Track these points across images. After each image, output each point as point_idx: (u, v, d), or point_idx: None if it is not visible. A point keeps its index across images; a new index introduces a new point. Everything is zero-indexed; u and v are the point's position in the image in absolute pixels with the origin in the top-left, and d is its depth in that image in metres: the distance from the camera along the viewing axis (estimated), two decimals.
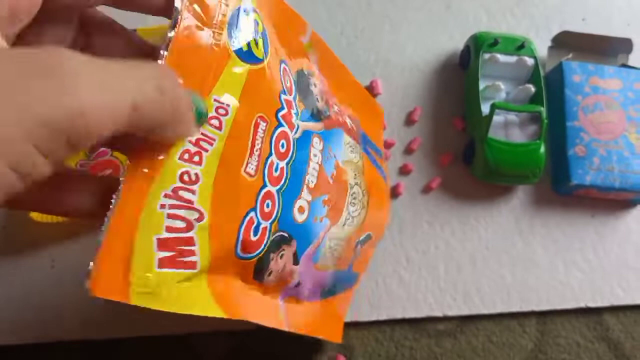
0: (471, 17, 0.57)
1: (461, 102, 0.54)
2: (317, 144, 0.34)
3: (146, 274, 0.23)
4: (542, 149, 0.49)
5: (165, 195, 0.24)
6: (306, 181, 0.32)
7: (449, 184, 0.51)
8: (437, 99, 0.54)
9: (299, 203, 0.31)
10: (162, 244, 0.24)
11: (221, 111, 0.26)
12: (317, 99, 0.35)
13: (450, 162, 0.52)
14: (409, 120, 0.53)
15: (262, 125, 0.28)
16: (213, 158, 0.25)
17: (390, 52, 0.55)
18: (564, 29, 0.54)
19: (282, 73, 0.31)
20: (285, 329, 0.33)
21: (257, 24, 0.28)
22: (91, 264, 0.22)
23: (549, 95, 0.52)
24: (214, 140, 0.25)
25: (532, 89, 0.51)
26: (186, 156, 0.24)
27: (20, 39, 0.22)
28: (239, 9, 0.27)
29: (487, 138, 0.49)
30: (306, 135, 0.33)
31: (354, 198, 0.37)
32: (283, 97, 0.30)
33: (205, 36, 0.25)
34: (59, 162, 0.17)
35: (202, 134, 0.25)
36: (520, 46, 0.52)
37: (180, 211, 0.24)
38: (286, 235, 0.31)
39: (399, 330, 0.47)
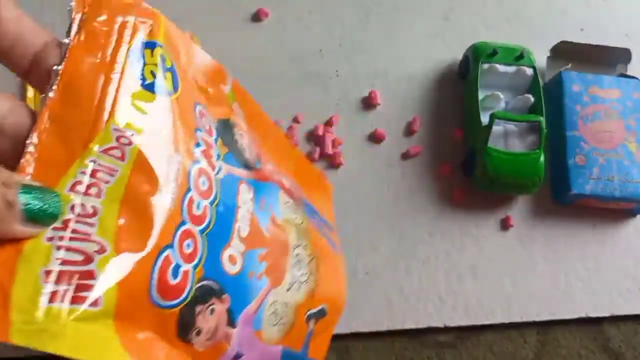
0: (469, 28, 0.58)
1: (460, 112, 0.54)
2: (245, 190, 0.31)
3: (31, 307, 0.21)
4: (542, 159, 0.49)
5: (54, 228, 0.22)
6: (236, 228, 0.29)
7: (449, 194, 0.51)
8: (436, 109, 0.54)
9: (229, 251, 0.29)
10: (52, 277, 0.22)
11: (124, 140, 0.24)
12: (245, 150, 0.33)
13: (450, 172, 0.52)
14: (409, 131, 0.53)
15: (176, 157, 0.26)
16: (116, 188, 0.24)
17: (389, 64, 0.55)
18: (562, 39, 0.54)
19: (197, 114, 0.29)
20: None
21: (163, 59, 0.27)
22: None
23: (548, 105, 0.52)
24: (116, 171, 0.24)
25: (531, 98, 0.51)
26: (79, 188, 0.23)
27: None
28: (142, 44, 0.26)
29: (487, 148, 0.49)
30: (231, 179, 0.30)
31: (299, 261, 0.34)
32: (200, 134, 0.28)
33: (99, 65, 0.24)
34: None
35: (99, 164, 0.23)
36: (519, 56, 0.52)
37: (74, 243, 0.22)
38: (215, 286, 0.28)
39: (399, 341, 0.47)
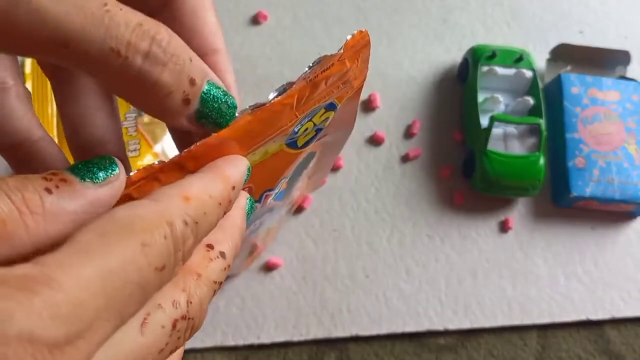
0: (468, 31, 0.58)
1: (460, 115, 0.54)
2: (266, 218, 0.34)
3: None
4: (542, 161, 0.49)
5: None
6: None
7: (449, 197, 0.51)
8: (435, 111, 0.54)
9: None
10: None
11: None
12: (299, 180, 0.33)
13: (450, 175, 0.52)
14: (408, 133, 0.53)
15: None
16: None
17: (388, 66, 0.55)
18: (561, 42, 0.54)
19: (300, 160, 0.29)
20: None
21: (327, 120, 0.26)
22: None
23: (548, 107, 0.52)
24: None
25: (531, 101, 0.51)
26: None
27: None
28: (327, 104, 0.24)
29: (487, 150, 0.49)
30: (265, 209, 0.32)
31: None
32: (283, 179, 0.28)
33: (288, 121, 0.23)
34: None
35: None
36: (518, 59, 0.52)
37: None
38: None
39: (399, 345, 0.47)
